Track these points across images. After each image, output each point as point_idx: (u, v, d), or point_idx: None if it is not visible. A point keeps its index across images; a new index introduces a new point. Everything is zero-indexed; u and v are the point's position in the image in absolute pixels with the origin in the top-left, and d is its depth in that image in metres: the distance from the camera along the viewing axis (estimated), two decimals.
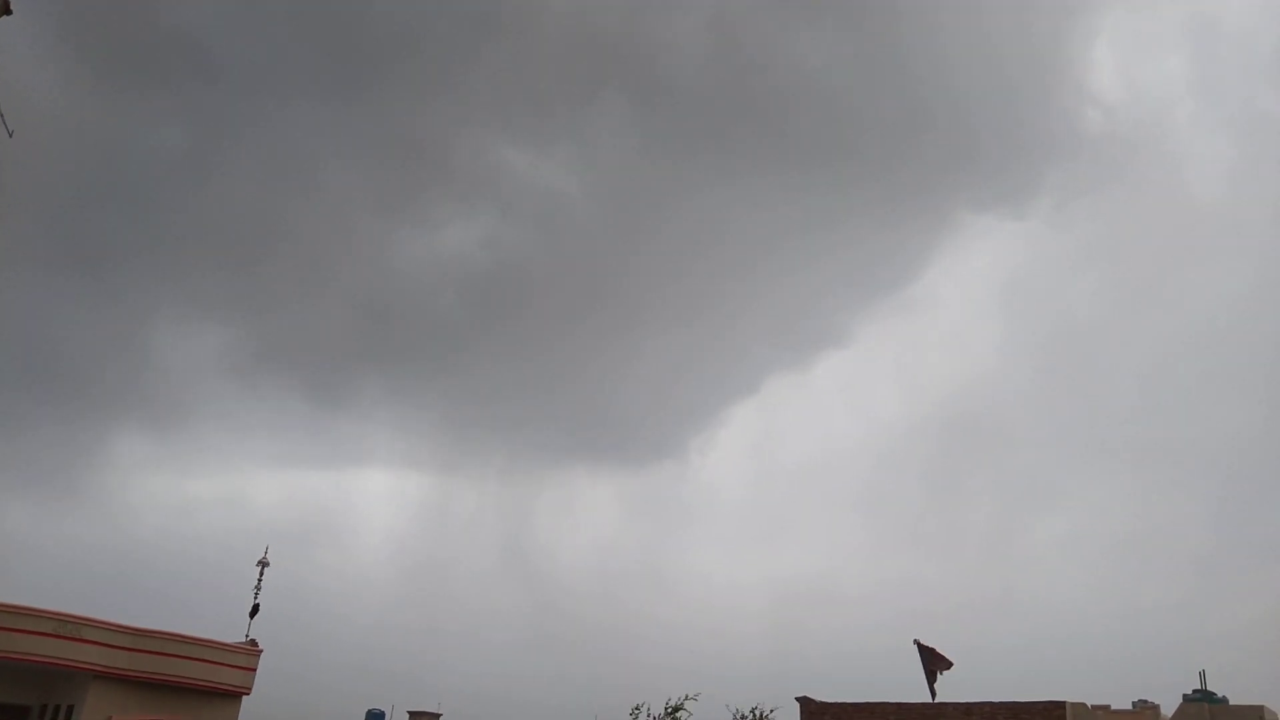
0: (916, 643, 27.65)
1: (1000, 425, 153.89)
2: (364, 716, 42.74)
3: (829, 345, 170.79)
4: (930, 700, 26.61)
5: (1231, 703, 25.27)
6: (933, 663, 27.23)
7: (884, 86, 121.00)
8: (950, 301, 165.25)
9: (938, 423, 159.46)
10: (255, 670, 25.79)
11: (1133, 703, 29.23)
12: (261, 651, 26.17)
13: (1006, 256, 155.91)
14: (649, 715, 30.13)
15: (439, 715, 50.31)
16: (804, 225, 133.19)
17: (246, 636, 26.59)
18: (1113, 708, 27.48)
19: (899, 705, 26.29)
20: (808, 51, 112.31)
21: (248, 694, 25.71)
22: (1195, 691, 25.53)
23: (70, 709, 23.13)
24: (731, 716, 30.18)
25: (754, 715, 30.10)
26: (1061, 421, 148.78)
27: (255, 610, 27.23)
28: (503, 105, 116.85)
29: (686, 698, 30.03)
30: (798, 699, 27.78)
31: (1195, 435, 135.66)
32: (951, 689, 26.61)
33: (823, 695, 27.69)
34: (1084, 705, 24.79)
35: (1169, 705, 25.64)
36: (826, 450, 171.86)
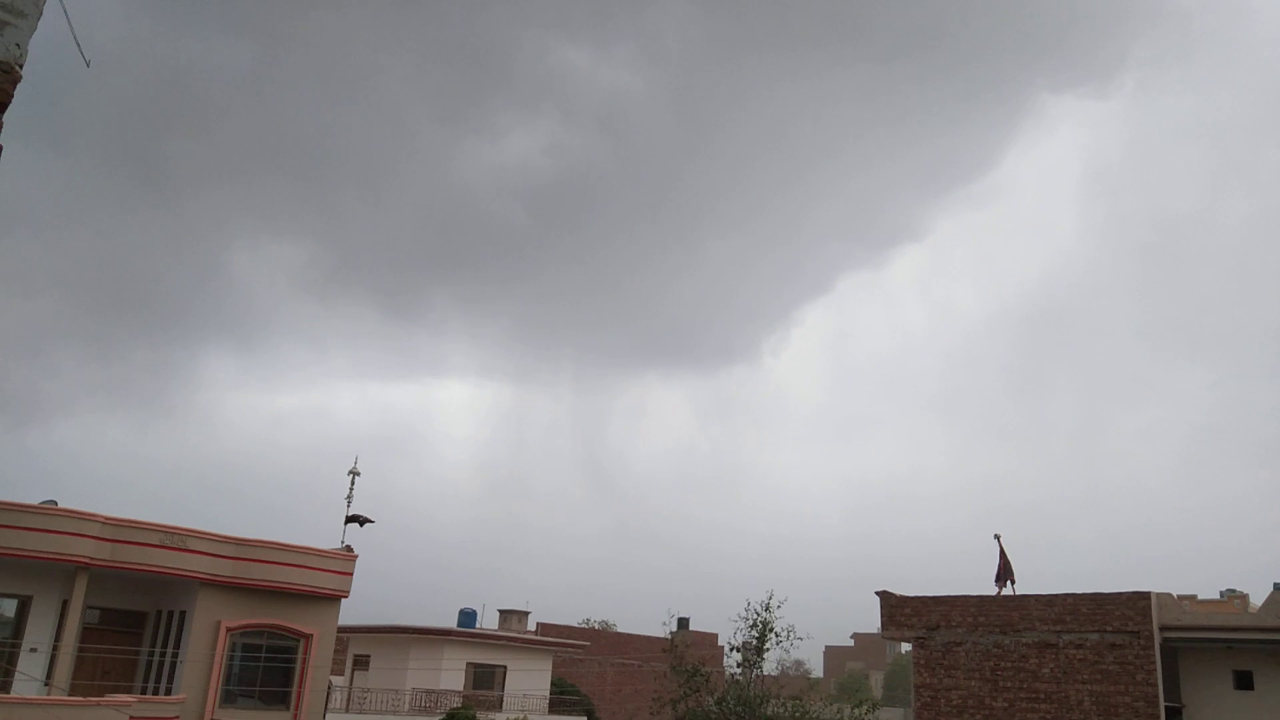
0: (997, 538, 27.61)
1: (1083, 315, 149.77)
2: (457, 615, 44.63)
3: (904, 240, 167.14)
4: (1010, 594, 26.68)
5: None
6: (1005, 566, 27.19)
7: None
8: (1030, 189, 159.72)
9: (1018, 315, 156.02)
10: (352, 574, 26.90)
11: (1220, 592, 28.87)
12: (357, 557, 27.26)
13: (1088, 139, 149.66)
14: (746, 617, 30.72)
15: (528, 613, 52.27)
16: (877, 120, 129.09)
17: (342, 543, 27.69)
18: (1199, 598, 27.16)
19: (980, 598, 26.43)
20: None
21: (346, 597, 26.89)
22: None
23: (183, 614, 24.51)
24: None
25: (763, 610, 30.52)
26: (1146, 309, 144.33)
27: (358, 519, 28.19)
28: (562, 4, 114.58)
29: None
30: (878, 593, 28.08)
31: None
32: (1037, 582, 26.64)
33: (902, 590, 27.97)
34: (1170, 596, 24.61)
35: (1259, 594, 25.25)
36: (903, 348, 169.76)
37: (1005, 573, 27.07)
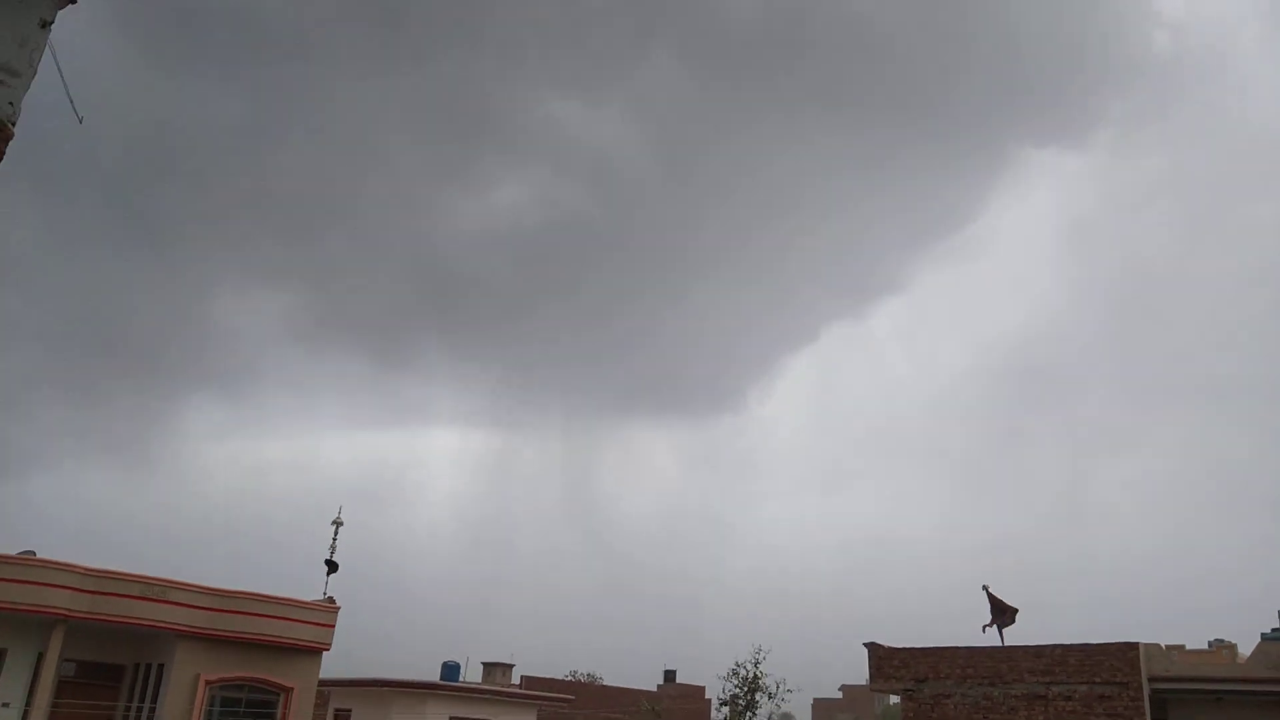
0: (985, 589, 27.49)
1: (1067, 368, 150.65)
2: (440, 668, 43.93)
3: (886, 292, 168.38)
4: (999, 645, 26.51)
5: None
6: (1000, 612, 27.07)
7: (934, 20, 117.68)
8: (1011, 241, 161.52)
9: (1001, 367, 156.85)
10: (334, 626, 26.55)
11: (1209, 642, 28.74)
12: (339, 608, 26.92)
13: (1068, 192, 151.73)
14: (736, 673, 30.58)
15: (511, 666, 51.56)
16: (860, 171, 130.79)
17: (324, 594, 27.36)
18: (1188, 648, 27.03)
19: (968, 650, 26.24)
20: None
21: (327, 650, 26.51)
22: (1274, 630, 25.03)
23: (161, 667, 24.11)
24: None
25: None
26: (1131, 362, 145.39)
27: (334, 567, 27.93)
28: (552, 61, 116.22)
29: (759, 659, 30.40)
30: (866, 645, 27.86)
31: (1268, 371, 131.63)
32: (1024, 633, 26.48)
33: (890, 643, 27.75)
34: (1158, 646, 24.51)
35: (1247, 645, 25.17)
36: (887, 398, 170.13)
37: (1000, 613, 26.92)
